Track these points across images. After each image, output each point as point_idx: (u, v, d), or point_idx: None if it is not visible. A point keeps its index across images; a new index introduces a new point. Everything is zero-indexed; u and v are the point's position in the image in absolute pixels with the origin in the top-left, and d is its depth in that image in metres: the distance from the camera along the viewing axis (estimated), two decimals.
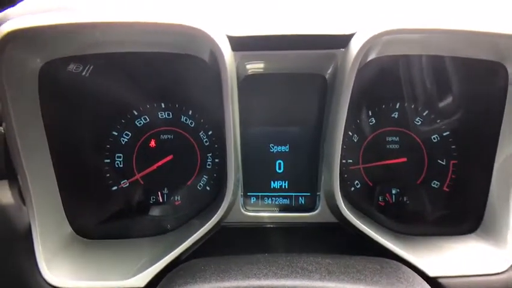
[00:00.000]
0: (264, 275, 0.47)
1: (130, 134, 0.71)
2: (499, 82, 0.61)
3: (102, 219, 0.67)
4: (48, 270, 0.56)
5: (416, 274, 0.52)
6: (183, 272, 0.50)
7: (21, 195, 0.58)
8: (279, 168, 0.71)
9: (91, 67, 0.64)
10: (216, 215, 0.59)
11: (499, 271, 0.57)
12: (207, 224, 0.59)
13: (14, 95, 0.53)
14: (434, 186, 0.71)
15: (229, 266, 0.50)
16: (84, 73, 0.64)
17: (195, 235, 0.58)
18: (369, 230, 0.60)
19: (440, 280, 0.56)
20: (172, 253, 0.57)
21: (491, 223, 0.64)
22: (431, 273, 0.56)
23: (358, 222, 0.60)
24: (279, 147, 0.71)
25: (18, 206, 0.58)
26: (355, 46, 0.53)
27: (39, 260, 0.56)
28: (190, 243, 0.58)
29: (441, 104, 0.69)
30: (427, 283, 0.51)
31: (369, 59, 0.59)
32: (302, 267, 0.50)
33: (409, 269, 0.53)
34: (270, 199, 0.71)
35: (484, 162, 0.64)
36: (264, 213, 0.68)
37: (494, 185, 0.64)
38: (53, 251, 0.58)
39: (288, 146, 0.71)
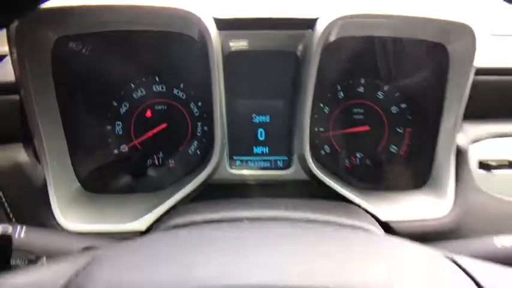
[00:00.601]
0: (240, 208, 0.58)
1: (128, 104, 0.80)
2: (442, 62, 0.72)
3: (105, 176, 0.78)
4: (62, 217, 0.66)
5: (368, 215, 0.64)
6: (177, 211, 0.61)
7: (35, 156, 0.68)
8: (261, 136, 0.82)
9: (90, 46, 0.74)
10: (204, 171, 0.70)
11: (439, 216, 0.69)
12: (196, 178, 0.70)
13: (32, 66, 0.63)
14: (393, 151, 0.82)
15: (215, 204, 0.61)
16: (84, 51, 0.74)
17: (186, 187, 0.69)
18: (332, 182, 0.71)
19: (390, 224, 0.68)
20: (168, 202, 0.67)
21: (436, 180, 0.76)
22: (383, 218, 0.68)
23: (324, 177, 0.72)
24: (261, 117, 0.81)
25: (33, 164, 0.68)
26: (319, 28, 0.64)
27: (54, 209, 0.66)
28: (184, 195, 0.69)
29: (398, 80, 0.80)
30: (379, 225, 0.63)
31: (332, 39, 0.70)
32: (272, 204, 0.61)
33: (363, 211, 0.65)
34: (252, 162, 0.82)
35: (432, 131, 0.76)
36: (247, 171, 0.78)
37: (439, 149, 0.75)
38: (65, 202, 0.69)
39: (268, 117, 0.81)
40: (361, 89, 0.82)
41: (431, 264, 0.36)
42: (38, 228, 0.51)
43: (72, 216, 0.67)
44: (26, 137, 0.68)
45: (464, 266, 0.35)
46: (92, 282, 0.31)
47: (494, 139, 0.78)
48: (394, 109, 0.82)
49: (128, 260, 0.35)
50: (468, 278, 0.33)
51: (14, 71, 0.63)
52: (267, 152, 0.82)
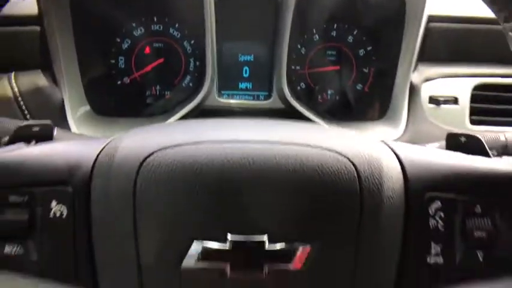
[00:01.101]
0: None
1: (129, 41, 0.92)
2: (400, 10, 0.84)
3: (111, 103, 0.90)
4: (78, 131, 0.79)
5: None
6: None
7: (53, 80, 0.81)
8: (245, 73, 0.95)
9: None
10: (197, 98, 0.84)
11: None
12: (190, 104, 0.83)
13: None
14: (359, 88, 0.95)
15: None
16: None
17: (181, 111, 0.82)
18: (305, 111, 0.85)
19: None
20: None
21: (393, 112, 0.90)
22: None
23: (298, 105, 0.85)
24: (245, 57, 0.94)
25: (52, 87, 0.80)
26: None
27: (71, 124, 0.79)
28: (179, 117, 0.82)
29: (365, 26, 0.92)
30: None
31: None
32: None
33: None
34: (238, 96, 0.95)
35: (391, 71, 0.89)
36: (233, 100, 0.92)
37: (396, 86, 0.89)
38: (78, 120, 0.82)
39: (252, 56, 0.94)
40: (333, 33, 0.94)
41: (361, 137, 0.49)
42: (65, 130, 0.64)
43: (85, 131, 0.80)
44: (45, 64, 0.80)
45: (387, 143, 0.48)
46: (121, 144, 0.44)
47: (444, 79, 0.91)
48: (361, 51, 0.94)
49: (148, 130, 0.48)
50: (388, 148, 0.46)
51: (38, 3, 0.74)
52: (251, 87, 0.95)
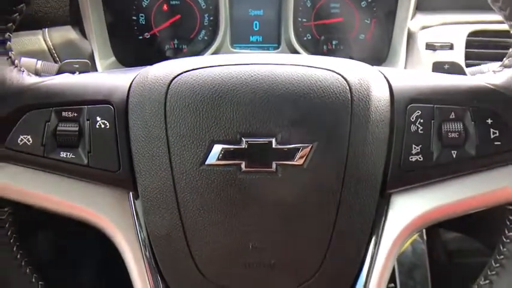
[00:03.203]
0: None
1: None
2: None
3: (134, 55, 0.99)
4: None
5: None
6: None
7: (83, 34, 0.90)
8: (256, 27, 1.03)
9: None
10: (212, 47, 0.93)
11: None
12: (206, 53, 0.92)
13: None
14: (361, 38, 1.03)
15: None
16: None
17: None
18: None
19: None
20: None
21: (392, 57, 0.98)
22: None
23: (305, 54, 0.93)
24: (256, 11, 1.02)
25: (82, 40, 0.90)
26: None
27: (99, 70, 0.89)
28: None
29: None
30: None
31: None
32: None
33: None
34: (249, 49, 1.03)
35: (391, 21, 0.96)
36: (245, 51, 1.00)
37: (395, 34, 0.96)
38: (106, 69, 0.91)
39: (262, 11, 1.02)
40: None
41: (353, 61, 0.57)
42: None
43: None
44: (75, 20, 0.89)
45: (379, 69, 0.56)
46: (152, 69, 0.53)
47: (440, 26, 0.98)
48: (363, 3, 1.01)
49: (175, 60, 0.56)
50: (376, 69, 0.55)
51: None
52: (261, 40, 1.03)
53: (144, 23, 1.00)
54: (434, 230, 1.08)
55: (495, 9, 0.52)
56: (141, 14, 1.00)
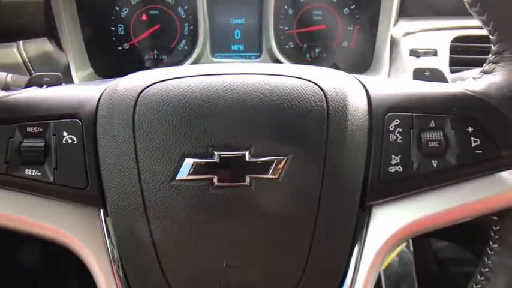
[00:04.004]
0: None
1: (127, 9, 0.98)
2: None
3: (113, 67, 0.97)
4: None
5: None
6: None
7: (58, 45, 0.88)
8: (237, 36, 1.01)
9: None
10: (191, 57, 0.91)
11: None
12: (185, 63, 0.90)
13: None
14: (345, 45, 1.01)
15: None
16: None
17: None
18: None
19: None
20: None
21: (375, 65, 0.96)
22: None
23: (287, 63, 0.92)
24: (237, 20, 1.00)
25: (58, 52, 0.88)
26: None
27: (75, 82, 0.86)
28: None
29: None
30: None
31: None
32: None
33: None
34: (231, 58, 1.01)
35: (373, 27, 0.95)
36: (226, 59, 0.98)
37: (378, 41, 0.95)
38: (82, 81, 0.89)
39: (243, 19, 1.00)
40: None
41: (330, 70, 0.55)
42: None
43: None
44: (50, 32, 0.87)
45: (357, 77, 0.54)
46: (122, 81, 0.51)
47: (424, 32, 0.97)
48: (345, 10, 1.00)
49: (145, 72, 0.54)
50: (354, 78, 0.53)
51: None
52: (243, 49, 1.01)
53: (122, 33, 0.98)
54: (422, 240, 1.07)
55: (473, 14, 0.50)
56: (119, 25, 0.98)
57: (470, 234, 0.92)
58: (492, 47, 0.50)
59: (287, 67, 0.52)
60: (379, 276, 0.92)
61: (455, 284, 0.64)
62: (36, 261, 1.02)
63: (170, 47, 1.00)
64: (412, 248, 0.97)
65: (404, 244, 0.95)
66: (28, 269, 1.03)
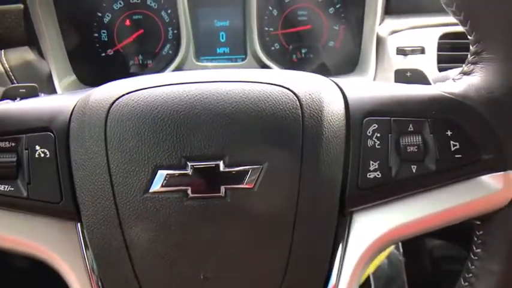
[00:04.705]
0: None
1: (110, 15, 0.97)
2: None
3: (96, 73, 0.96)
4: None
5: None
6: None
7: (40, 54, 0.87)
8: (222, 38, 1.00)
9: None
10: (174, 62, 0.90)
11: None
12: (167, 70, 0.89)
13: None
14: (331, 45, 1.00)
15: None
16: None
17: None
18: (278, 69, 0.90)
19: None
20: None
21: (362, 64, 0.95)
22: None
23: (272, 65, 0.91)
24: (221, 22, 0.99)
25: (39, 60, 0.87)
26: None
27: (59, 92, 0.85)
28: None
29: None
30: None
31: None
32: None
33: None
34: (216, 61, 1.00)
35: (359, 26, 0.94)
36: (210, 63, 0.97)
37: (364, 41, 0.94)
38: (66, 91, 0.88)
39: (228, 21, 0.99)
40: None
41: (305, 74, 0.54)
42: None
43: None
44: (31, 40, 0.86)
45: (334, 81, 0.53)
46: (94, 92, 0.50)
47: (410, 30, 0.96)
48: (331, 10, 0.99)
49: (119, 82, 0.53)
50: (331, 81, 0.52)
51: None
52: (228, 51, 1.00)
53: (106, 39, 0.97)
54: (413, 241, 1.06)
55: (450, 14, 0.49)
56: (102, 31, 0.97)
57: (462, 233, 0.91)
58: (471, 47, 0.49)
59: (262, 73, 0.51)
60: (369, 279, 0.91)
61: (447, 284, 0.62)
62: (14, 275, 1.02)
63: (155, 51, 0.99)
64: (401, 250, 0.96)
65: (393, 246, 0.94)
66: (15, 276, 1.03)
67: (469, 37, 0.49)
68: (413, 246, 1.04)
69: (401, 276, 0.91)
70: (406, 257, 0.95)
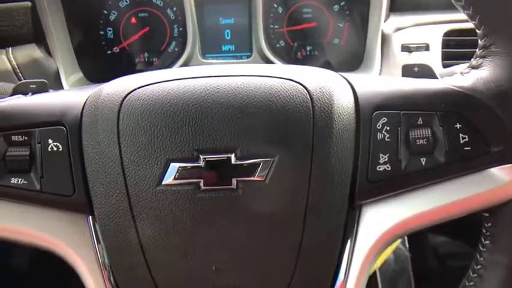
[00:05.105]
0: None
1: (116, 12, 0.97)
2: None
3: (103, 71, 0.97)
4: None
5: None
6: None
7: (47, 52, 0.87)
8: (227, 36, 1.01)
9: None
10: (181, 59, 0.90)
11: None
12: (175, 66, 0.90)
13: None
14: (336, 42, 1.01)
15: None
16: None
17: None
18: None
19: None
20: None
21: (367, 61, 0.96)
22: None
23: (278, 62, 0.91)
24: (226, 20, 1.00)
25: (47, 57, 0.87)
26: None
27: (65, 88, 0.86)
28: None
29: None
30: None
31: None
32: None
33: None
34: (222, 58, 1.01)
35: (364, 24, 0.94)
36: (216, 60, 0.98)
37: (368, 38, 0.94)
38: (72, 86, 0.89)
39: (233, 19, 1.00)
40: None
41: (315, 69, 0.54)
42: None
43: None
44: (39, 38, 0.87)
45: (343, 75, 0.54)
46: (106, 86, 0.51)
47: (415, 27, 0.96)
48: (336, 7, 0.99)
49: (130, 76, 0.53)
50: (340, 76, 0.52)
51: None
52: (233, 49, 1.01)
53: (112, 37, 0.98)
54: (420, 235, 1.06)
55: (459, 9, 0.50)
56: (108, 28, 0.98)
57: (468, 228, 0.91)
58: (479, 41, 0.50)
59: (272, 68, 0.52)
60: (375, 274, 0.91)
61: (453, 279, 0.63)
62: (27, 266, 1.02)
63: (160, 49, 0.99)
64: (407, 245, 0.96)
65: (399, 241, 0.94)
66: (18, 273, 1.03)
67: (477, 31, 0.49)
68: (419, 242, 1.05)
69: (407, 272, 0.92)
70: (412, 253, 0.95)
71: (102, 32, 0.97)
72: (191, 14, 0.92)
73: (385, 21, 0.94)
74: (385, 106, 0.49)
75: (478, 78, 0.48)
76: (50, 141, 0.49)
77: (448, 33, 0.95)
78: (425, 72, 0.57)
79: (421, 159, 0.48)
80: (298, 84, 0.48)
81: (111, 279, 0.51)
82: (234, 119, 0.46)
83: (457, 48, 0.95)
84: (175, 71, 0.52)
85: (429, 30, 0.95)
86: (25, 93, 0.57)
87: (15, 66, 0.86)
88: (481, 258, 0.51)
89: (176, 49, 0.99)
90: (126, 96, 0.48)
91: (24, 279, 1.05)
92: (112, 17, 0.97)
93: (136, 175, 0.47)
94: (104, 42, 0.98)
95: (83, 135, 0.49)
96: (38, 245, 0.52)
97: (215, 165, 0.46)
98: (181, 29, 0.98)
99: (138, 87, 0.49)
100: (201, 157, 0.46)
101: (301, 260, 0.48)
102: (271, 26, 0.99)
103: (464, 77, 0.50)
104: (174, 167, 0.46)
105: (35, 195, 0.49)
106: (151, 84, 0.49)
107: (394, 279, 0.92)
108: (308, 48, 1.01)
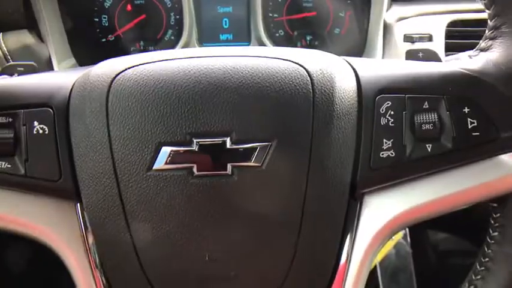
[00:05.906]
0: None
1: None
2: None
3: (97, 57, 0.93)
4: None
5: None
6: None
7: (39, 37, 0.85)
8: (225, 24, 0.98)
9: None
10: (177, 47, 0.87)
11: None
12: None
13: None
14: (336, 32, 0.98)
15: None
16: None
17: None
18: None
19: None
20: None
21: (369, 51, 0.94)
22: None
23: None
24: (224, 8, 0.97)
25: (39, 43, 0.85)
26: None
27: None
28: None
29: None
30: None
31: None
32: None
33: None
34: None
35: (366, 14, 0.92)
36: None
37: (370, 27, 0.92)
38: None
39: (231, 7, 0.97)
40: None
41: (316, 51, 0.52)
42: None
43: None
44: (31, 24, 0.84)
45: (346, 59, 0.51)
46: (94, 67, 0.48)
47: (418, 17, 0.94)
48: None
49: (119, 58, 0.51)
50: (342, 59, 0.50)
51: None
52: (231, 38, 0.98)
53: (107, 24, 0.95)
54: (421, 231, 1.04)
55: None
56: (103, 16, 0.95)
57: (470, 225, 0.89)
58: (489, 22, 0.47)
59: (269, 49, 0.50)
60: (375, 269, 0.89)
61: (455, 276, 0.61)
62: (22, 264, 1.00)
63: (156, 37, 0.97)
64: (409, 240, 0.94)
65: (401, 236, 0.92)
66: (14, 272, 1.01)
67: (487, 11, 0.47)
68: (421, 238, 1.02)
69: (408, 268, 0.89)
70: (413, 249, 0.93)
71: (96, 19, 0.95)
72: (188, 1, 0.89)
73: (387, 11, 0.92)
74: (389, 89, 0.47)
75: (488, 61, 0.46)
76: (36, 123, 0.46)
77: (451, 24, 0.92)
78: (431, 57, 0.55)
79: (427, 145, 0.46)
80: (298, 66, 0.46)
81: (100, 268, 0.48)
82: (229, 101, 0.44)
83: (460, 39, 0.92)
84: (168, 52, 0.49)
85: (432, 21, 0.93)
86: (11, 74, 0.54)
87: (6, 52, 0.83)
88: (489, 251, 0.49)
89: (172, 37, 0.97)
90: (116, 77, 0.46)
91: (19, 276, 1.03)
92: (107, 4, 0.95)
93: (125, 159, 0.44)
94: (98, 30, 0.95)
95: (70, 117, 0.46)
96: (23, 232, 0.49)
97: (209, 150, 0.44)
98: (177, 17, 0.96)
99: (129, 67, 0.46)
100: (194, 141, 0.44)
101: (299, 251, 0.46)
102: (271, 15, 0.97)
103: (473, 59, 0.47)
104: (165, 151, 0.44)
105: (19, 180, 0.47)
106: (142, 64, 0.46)
107: (395, 274, 0.89)
108: (308, 37, 0.99)
